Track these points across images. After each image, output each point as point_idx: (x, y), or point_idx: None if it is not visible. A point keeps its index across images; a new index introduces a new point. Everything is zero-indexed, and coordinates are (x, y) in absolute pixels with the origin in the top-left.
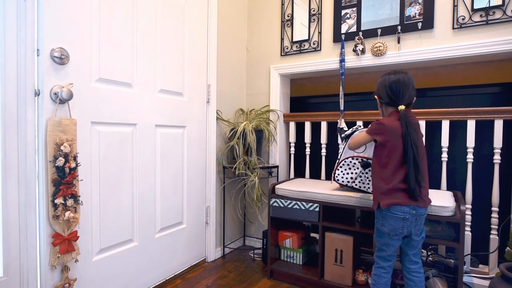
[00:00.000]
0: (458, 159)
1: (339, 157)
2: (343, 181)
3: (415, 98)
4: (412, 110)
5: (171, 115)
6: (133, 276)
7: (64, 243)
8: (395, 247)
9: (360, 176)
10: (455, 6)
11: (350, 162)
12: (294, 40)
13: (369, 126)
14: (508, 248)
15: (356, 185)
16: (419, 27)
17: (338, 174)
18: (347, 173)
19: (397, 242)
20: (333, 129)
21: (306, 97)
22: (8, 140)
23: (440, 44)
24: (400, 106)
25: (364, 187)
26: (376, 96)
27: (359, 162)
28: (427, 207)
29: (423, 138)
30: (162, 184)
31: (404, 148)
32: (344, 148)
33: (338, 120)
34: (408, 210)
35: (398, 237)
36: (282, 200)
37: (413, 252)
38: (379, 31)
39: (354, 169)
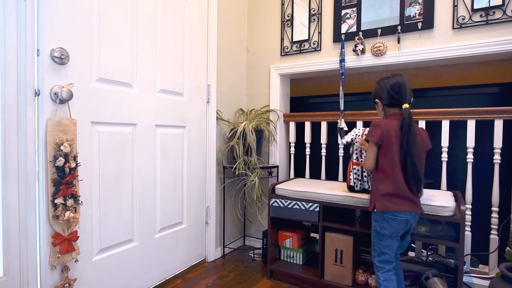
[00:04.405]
0: (458, 159)
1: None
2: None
3: (412, 99)
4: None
5: (171, 115)
6: (133, 276)
7: (64, 243)
8: (395, 247)
9: None
10: (455, 6)
11: None
12: (294, 40)
13: (368, 131)
14: (508, 248)
15: (370, 187)
16: (419, 27)
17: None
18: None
19: (396, 242)
20: (333, 129)
21: (306, 97)
22: (8, 140)
23: (440, 44)
24: (404, 105)
25: None
26: (376, 100)
27: None
28: (420, 213)
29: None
30: (162, 184)
31: (401, 148)
32: (354, 149)
33: (338, 120)
34: (409, 211)
35: (397, 237)
36: (282, 200)
37: (400, 251)
38: (379, 31)
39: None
